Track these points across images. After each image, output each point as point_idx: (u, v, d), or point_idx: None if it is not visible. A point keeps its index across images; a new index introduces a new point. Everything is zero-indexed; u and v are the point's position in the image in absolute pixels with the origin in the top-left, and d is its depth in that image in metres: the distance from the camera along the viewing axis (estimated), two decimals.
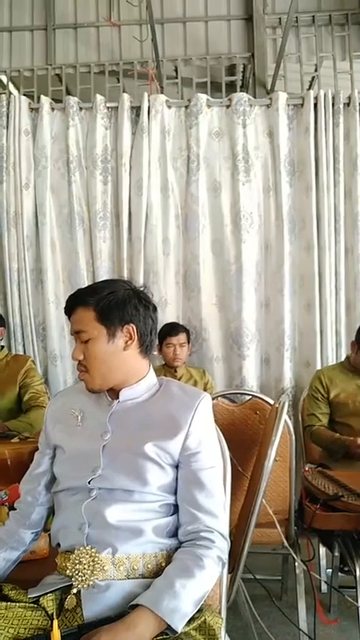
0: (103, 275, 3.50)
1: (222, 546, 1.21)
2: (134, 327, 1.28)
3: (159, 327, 3.24)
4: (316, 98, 3.47)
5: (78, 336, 1.28)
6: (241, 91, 4.33)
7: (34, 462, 1.41)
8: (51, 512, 1.39)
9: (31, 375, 2.72)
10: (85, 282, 3.46)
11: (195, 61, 4.53)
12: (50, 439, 1.35)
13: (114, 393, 1.31)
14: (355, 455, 2.28)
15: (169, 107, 3.57)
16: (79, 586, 1.13)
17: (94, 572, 1.13)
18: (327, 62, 4.46)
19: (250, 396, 2.25)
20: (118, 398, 1.30)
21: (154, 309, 1.35)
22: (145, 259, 3.51)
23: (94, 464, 1.23)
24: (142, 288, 1.36)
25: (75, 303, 1.29)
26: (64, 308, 1.32)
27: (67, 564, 1.16)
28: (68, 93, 4.41)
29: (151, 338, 1.34)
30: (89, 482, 1.21)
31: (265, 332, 3.56)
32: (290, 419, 2.20)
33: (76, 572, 1.14)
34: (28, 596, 1.17)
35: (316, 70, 4.53)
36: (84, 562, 1.14)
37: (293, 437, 2.12)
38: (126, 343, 1.28)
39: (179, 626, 1.06)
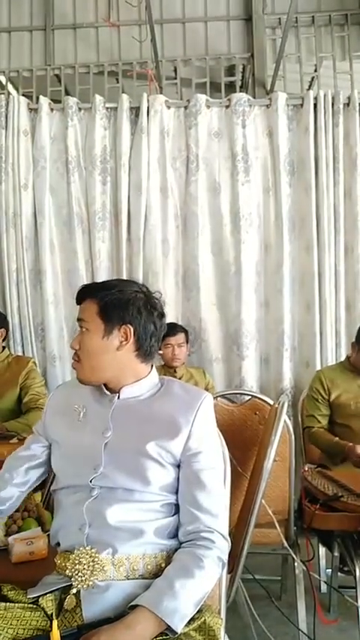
0: (102, 275, 3.50)
1: (222, 547, 1.20)
2: (131, 329, 1.27)
3: None
4: (315, 98, 3.47)
5: (79, 325, 1.30)
6: (240, 91, 4.34)
7: (25, 443, 1.41)
8: (22, 497, 1.40)
9: (32, 377, 2.70)
10: (84, 282, 3.45)
11: (194, 62, 4.52)
12: (48, 431, 1.35)
13: (113, 390, 1.31)
14: (353, 462, 2.27)
15: (169, 107, 3.57)
16: (79, 586, 1.12)
17: (94, 573, 1.13)
18: (327, 62, 4.46)
19: (250, 397, 2.25)
20: (118, 394, 1.30)
21: (160, 316, 1.33)
22: (144, 260, 3.50)
23: (95, 461, 1.22)
24: (155, 294, 1.35)
25: (84, 294, 1.32)
26: (76, 298, 1.34)
27: (67, 564, 1.15)
28: (67, 93, 4.40)
29: (151, 343, 1.31)
30: (91, 481, 1.21)
31: (265, 332, 3.55)
32: (290, 419, 2.20)
33: (76, 572, 1.13)
34: (28, 597, 1.17)
35: (315, 71, 4.52)
36: (84, 562, 1.14)
37: (293, 437, 2.12)
38: (120, 343, 1.27)
39: (179, 627, 1.06)
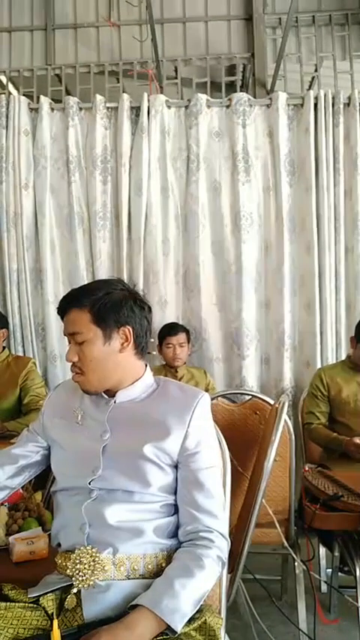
0: (103, 275, 3.50)
1: (222, 546, 1.20)
2: (130, 329, 1.27)
3: (158, 327, 3.27)
4: (316, 98, 3.47)
5: (72, 338, 1.27)
6: (241, 91, 4.32)
7: (19, 441, 1.39)
8: (10, 494, 1.39)
9: (31, 378, 2.70)
10: (84, 282, 3.45)
11: (195, 61, 4.52)
12: (48, 432, 1.35)
13: (110, 393, 1.30)
14: (351, 454, 2.28)
15: (169, 107, 3.57)
16: (80, 586, 1.12)
17: (95, 572, 1.13)
18: (327, 62, 4.45)
19: (250, 396, 2.25)
20: (114, 398, 1.29)
21: (149, 309, 1.35)
22: (144, 259, 3.51)
23: (93, 464, 1.22)
24: (134, 287, 1.36)
25: (69, 304, 1.28)
26: (57, 309, 1.30)
27: (68, 564, 1.16)
28: (68, 93, 4.40)
29: (147, 339, 1.33)
30: (89, 483, 1.21)
31: (265, 332, 3.55)
32: (290, 419, 2.20)
33: (77, 571, 1.13)
34: (28, 596, 1.17)
35: (316, 70, 4.52)
36: (84, 562, 1.14)
37: (293, 437, 2.13)
38: (122, 345, 1.27)
39: (179, 626, 1.06)
